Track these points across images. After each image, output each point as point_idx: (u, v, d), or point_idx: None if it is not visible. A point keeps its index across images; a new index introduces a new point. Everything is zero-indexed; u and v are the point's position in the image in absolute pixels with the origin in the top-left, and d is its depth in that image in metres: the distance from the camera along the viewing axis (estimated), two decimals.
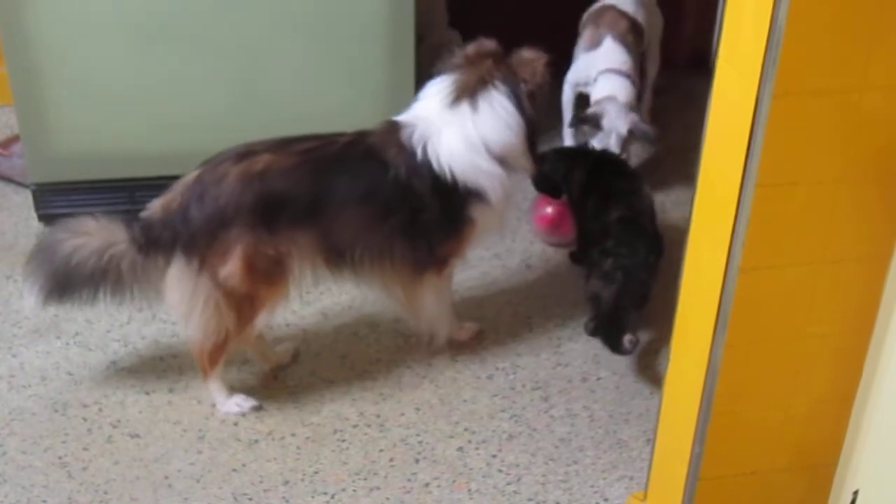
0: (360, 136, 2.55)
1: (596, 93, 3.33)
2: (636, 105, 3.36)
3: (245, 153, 2.47)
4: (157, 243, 2.43)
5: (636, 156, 3.55)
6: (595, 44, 3.43)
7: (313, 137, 2.54)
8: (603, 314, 2.74)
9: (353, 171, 2.49)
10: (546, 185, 3.12)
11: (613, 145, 3.23)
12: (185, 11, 3.04)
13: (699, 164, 1.88)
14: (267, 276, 2.46)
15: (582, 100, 3.50)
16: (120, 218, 2.49)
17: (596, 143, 3.25)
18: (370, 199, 2.50)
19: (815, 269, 1.83)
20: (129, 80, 3.12)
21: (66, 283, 2.45)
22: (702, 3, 4.13)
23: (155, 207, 2.48)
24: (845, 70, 1.65)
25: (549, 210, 3.24)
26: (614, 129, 3.22)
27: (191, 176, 2.50)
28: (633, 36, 3.46)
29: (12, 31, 3.00)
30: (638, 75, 3.46)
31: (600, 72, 3.35)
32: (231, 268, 2.41)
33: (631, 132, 3.23)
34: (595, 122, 3.25)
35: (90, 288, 2.45)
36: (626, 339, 2.67)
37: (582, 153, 3.12)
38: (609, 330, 2.72)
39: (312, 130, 3.23)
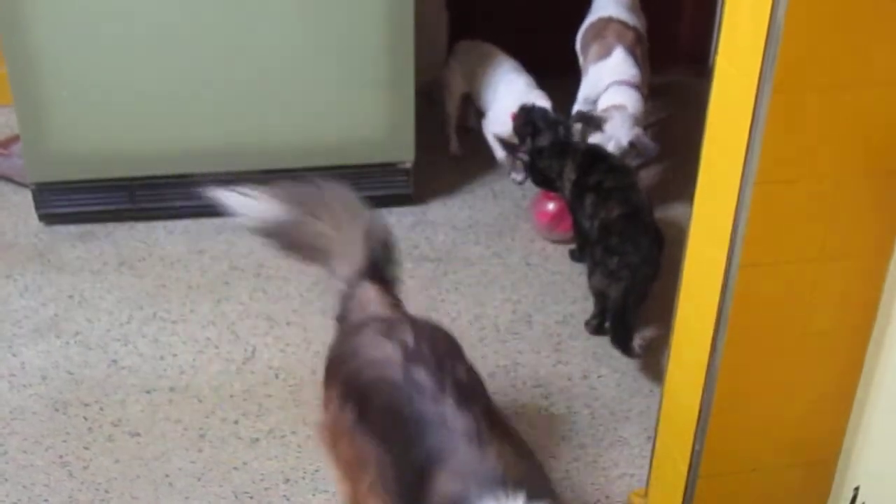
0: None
1: (603, 103, 3.29)
2: (643, 119, 3.31)
3: (405, 346, 1.94)
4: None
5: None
6: (605, 55, 3.39)
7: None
8: (612, 316, 2.75)
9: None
10: (544, 181, 3.12)
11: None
12: (183, 12, 3.04)
13: (699, 161, 1.88)
14: (348, 466, 1.98)
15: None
16: (368, 240, 2.11)
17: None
18: None
19: (815, 265, 1.84)
20: (129, 79, 3.12)
21: (279, 233, 2.18)
22: (700, 1, 4.13)
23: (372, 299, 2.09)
24: (844, 66, 1.65)
25: (550, 207, 3.24)
26: (615, 137, 3.18)
27: (388, 310, 2.09)
28: (640, 48, 3.43)
29: (12, 31, 3.00)
30: (647, 88, 3.42)
31: (609, 84, 3.31)
32: (320, 424, 2.08)
33: (632, 144, 3.19)
34: (598, 124, 3.21)
35: (291, 247, 2.22)
36: (637, 343, 2.68)
37: (571, 149, 3.10)
38: (618, 331, 2.73)
39: (310, 131, 3.26)
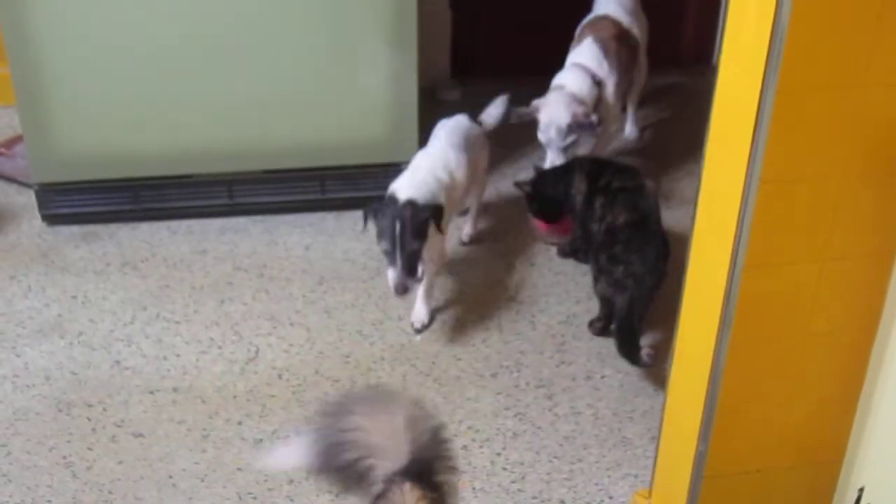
0: None
1: (554, 82, 3.29)
2: (590, 100, 3.25)
3: None
4: None
5: (584, 148, 3.42)
6: (577, 44, 3.41)
7: None
8: (618, 325, 2.75)
9: None
10: (546, 210, 3.10)
11: (554, 137, 3.17)
12: (186, 13, 3.05)
13: (703, 162, 1.88)
14: None
15: None
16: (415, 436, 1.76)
17: (540, 136, 3.21)
18: None
19: (819, 266, 1.83)
20: (132, 79, 3.12)
21: (325, 461, 1.85)
22: (703, 1, 4.13)
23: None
24: (848, 66, 1.65)
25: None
26: (553, 121, 3.16)
27: None
28: (618, 43, 3.41)
29: (15, 32, 3.00)
30: (617, 81, 3.38)
31: (567, 65, 3.32)
32: None
33: (570, 126, 3.15)
34: (531, 115, 3.19)
35: (336, 475, 1.83)
36: (645, 353, 2.67)
37: (575, 163, 3.09)
38: (625, 340, 2.72)
39: (313, 130, 3.26)
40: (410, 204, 2.74)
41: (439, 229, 2.81)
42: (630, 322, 2.71)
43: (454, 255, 3.21)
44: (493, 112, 3.23)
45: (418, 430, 1.72)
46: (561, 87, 3.24)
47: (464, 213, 3.28)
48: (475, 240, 3.27)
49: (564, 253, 3.18)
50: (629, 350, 2.71)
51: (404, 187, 2.81)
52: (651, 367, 2.74)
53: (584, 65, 3.30)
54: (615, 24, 3.44)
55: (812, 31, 1.60)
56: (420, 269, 2.78)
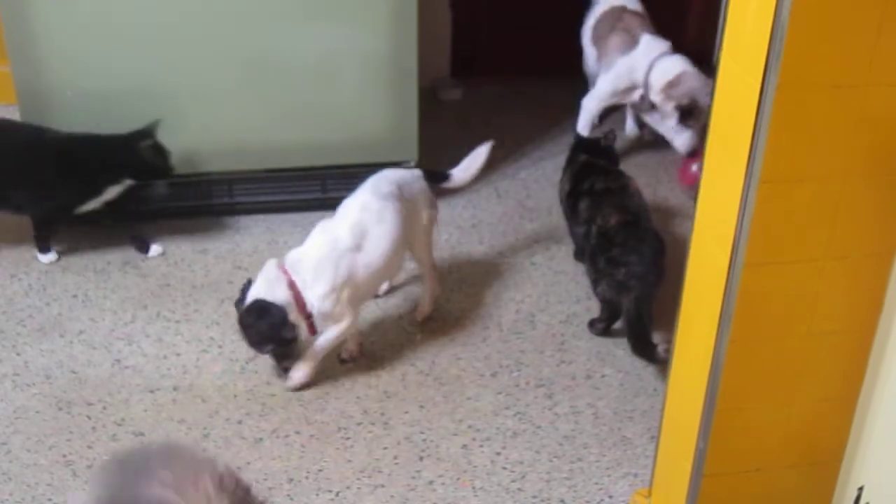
0: None
1: (660, 76, 3.37)
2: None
3: None
4: None
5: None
6: (631, 44, 3.46)
7: None
8: (630, 327, 2.75)
9: None
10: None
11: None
12: (188, 13, 3.05)
13: (702, 160, 1.88)
14: None
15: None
16: None
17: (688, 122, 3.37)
18: None
19: (819, 265, 1.83)
20: (133, 79, 3.12)
21: None
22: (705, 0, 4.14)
23: None
24: (849, 65, 1.65)
25: (695, 168, 3.29)
26: (705, 95, 3.29)
27: None
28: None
29: (16, 30, 3.01)
30: None
31: (654, 59, 3.39)
32: None
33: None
34: (693, 110, 3.32)
35: None
36: (662, 348, 2.67)
37: (570, 161, 3.11)
38: (639, 340, 2.73)
39: (314, 130, 3.27)
40: (250, 310, 2.59)
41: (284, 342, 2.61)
42: (641, 322, 2.71)
43: (455, 253, 3.21)
44: (473, 164, 2.99)
45: (230, 489, 1.60)
46: (688, 72, 3.35)
47: (391, 288, 3.04)
48: (428, 319, 2.95)
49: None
50: (644, 349, 2.72)
51: (258, 287, 2.59)
52: (658, 365, 2.75)
53: (670, 51, 3.41)
54: (640, 15, 3.52)
55: (813, 30, 1.60)
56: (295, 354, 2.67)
